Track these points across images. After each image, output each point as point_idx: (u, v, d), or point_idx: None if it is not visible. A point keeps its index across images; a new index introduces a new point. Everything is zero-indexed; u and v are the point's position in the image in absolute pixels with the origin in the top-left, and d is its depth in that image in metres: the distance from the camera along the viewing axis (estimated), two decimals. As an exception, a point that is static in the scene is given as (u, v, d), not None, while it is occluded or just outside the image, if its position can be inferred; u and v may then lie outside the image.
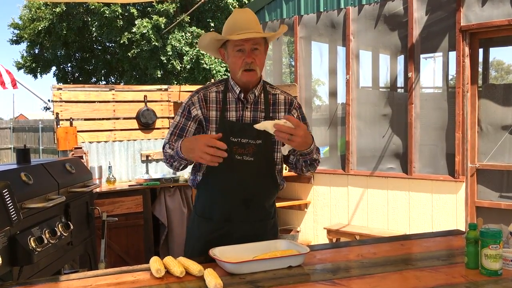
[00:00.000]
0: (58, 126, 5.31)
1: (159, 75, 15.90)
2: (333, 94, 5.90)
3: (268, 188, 2.31)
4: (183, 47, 15.67)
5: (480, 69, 5.01)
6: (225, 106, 2.25)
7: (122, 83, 17.89)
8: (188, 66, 15.82)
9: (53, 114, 5.52)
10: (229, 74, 2.37)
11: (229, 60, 2.24)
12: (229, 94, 2.27)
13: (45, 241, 2.58)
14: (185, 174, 5.93)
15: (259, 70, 2.22)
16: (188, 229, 2.43)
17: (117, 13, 15.47)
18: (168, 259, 1.90)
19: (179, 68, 15.92)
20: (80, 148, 5.22)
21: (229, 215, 2.26)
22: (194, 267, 1.85)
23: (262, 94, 2.30)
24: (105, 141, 5.66)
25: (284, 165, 2.42)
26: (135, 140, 5.86)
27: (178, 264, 1.86)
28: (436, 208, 4.91)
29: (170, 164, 2.25)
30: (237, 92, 2.25)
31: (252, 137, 2.22)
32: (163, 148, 2.29)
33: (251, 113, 2.26)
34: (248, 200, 2.25)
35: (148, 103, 5.89)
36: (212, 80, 10.14)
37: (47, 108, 20.65)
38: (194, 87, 6.51)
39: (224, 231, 2.26)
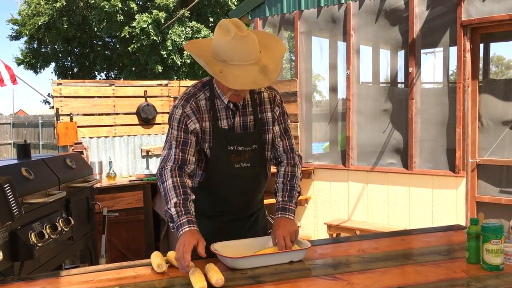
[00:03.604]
0: (58, 121, 5.30)
1: (159, 70, 15.88)
2: (333, 89, 5.90)
3: (261, 185, 2.33)
4: (183, 42, 15.64)
5: (480, 64, 5.00)
6: (216, 114, 2.15)
7: (122, 78, 17.87)
8: (188, 61, 15.80)
9: (53, 109, 5.51)
10: None
11: (216, 79, 2.05)
12: (217, 101, 2.16)
13: (46, 236, 2.59)
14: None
15: (247, 92, 2.14)
16: None
17: (117, 7, 15.42)
18: (173, 254, 1.90)
19: (179, 63, 15.90)
20: (80, 143, 5.22)
21: (227, 215, 2.28)
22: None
23: (249, 95, 2.22)
24: (105, 136, 5.66)
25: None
26: (135, 135, 5.85)
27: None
28: (437, 203, 4.91)
29: (164, 198, 2.05)
30: (226, 102, 2.15)
31: (247, 143, 2.19)
32: (164, 170, 2.07)
33: (240, 118, 2.19)
34: (247, 202, 2.29)
35: (148, 98, 5.88)
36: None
37: (46, 101, 20.64)
38: (195, 82, 6.47)
39: (223, 229, 2.25)
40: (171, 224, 2.00)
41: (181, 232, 1.90)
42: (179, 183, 2.01)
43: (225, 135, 2.15)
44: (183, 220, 1.92)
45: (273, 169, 2.34)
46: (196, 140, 2.13)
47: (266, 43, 2.08)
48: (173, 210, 1.95)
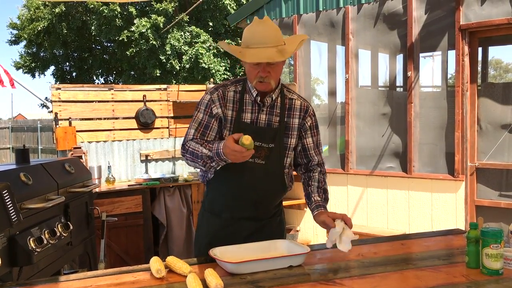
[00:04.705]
0: (57, 126, 5.30)
1: (158, 74, 15.88)
2: (332, 93, 5.90)
3: (276, 190, 2.35)
4: (182, 47, 15.65)
5: (479, 68, 5.01)
6: (242, 107, 2.25)
7: (121, 83, 17.87)
8: (187, 66, 15.81)
9: (51, 113, 5.50)
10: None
11: (245, 66, 2.25)
12: (246, 95, 2.27)
13: (45, 242, 2.58)
14: (185, 174, 5.92)
15: (274, 81, 2.21)
16: (197, 224, 2.48)
17: (116, 12, 15.45)
18: (173, 259, 1.90)
19: (178, 68, 15.91)
20: (79, 148, 5.21)
21: (237, 214, 2.30)
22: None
23: (279, 98, 2.30)
24: (104, 141, 5.65)
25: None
26: (134, 139, 5.85)
27: (185, 263, 1.87)
28: (436, 207, 4.91)
29: (195, 160, 2.20)
30: (254, 95, 2.25)
31: (265, 140, 2.24)
32: (185, 144, 2.25)
33: (266, 116, 2.27)
34: (257, 202, 2.30)
35: (147, 103, 5.88)
36: (211, 80, 10.12)
37: (43, 105, 20.64)
38: (193, 87, 6.49)
39: (232, 228, 2.31)
40: (213, 164, 2.13)
41: (221, 151, 2.04)
42: (200, 141, 2.21)
43: (245, 128, 2.22)
44: (215, 145, 2.08)
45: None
46: (219, 124, 2.25)
47: (292, 39, 2.25)
48: (205, 151, 2.12)
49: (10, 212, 2.29)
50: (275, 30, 2.16)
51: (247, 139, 1.99)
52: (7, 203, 2.28)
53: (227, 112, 2.25)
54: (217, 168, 2.21)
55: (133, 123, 5.85)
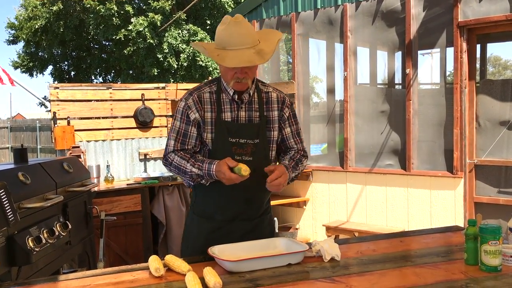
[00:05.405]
0: (56, 125, 5.29)
1: (155, 73, 15.86)
2: (331, 91, 5.90)
3: (266, 185, 2.31)
4: (180, 45, 15.63)
5: (477, 65, 5.01)
6: (220, 107, 2.25)
7: (119, 82, 17.85)
8: (185, 64, 15.80)
9: (49, 113, 5.49)
10: None
11: (220, 68, 2.24)
12: (222, 95, 2.26)
13: (44, 241, 2.58)
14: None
15: (251, 80, 2.22)
16: (186, 228, 2.43)
17: (113, 11, 15.42)
18: (171, 258, 1.90)
19: (175, 66, 15.89)
20: (78, 147, 5.20)
21: (230, 215, 2.29)
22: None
23: (256, 93, 2.31)
24: (103, 140, 5.64)
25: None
26: (133, 138, 5.84)
27: (184, 262, 1.87)
28: (435, 204, 4.91)
29: (181, 174, 2.24)
30: (231, 94, 2.25)
31: (249, 136, 2.24)
32: (168, 156, 2.26)
33: (246, 113, 2.27)
34: (249, 200, 2.29)
35: (145, 102, 5.87)
36: (209, 78, 10.09)
37: (42, 104, 20.61)
38: (191, 85, 6.47)
39: (225, 230, 2.28)
40: (203, 181, 2.21)
41: (213, 173, 2.13)
42: (183, 154, 2.23)
43: (227, 127, 2.23)
44: (206, 166, 2.14)
45: None
46: (197, 130, 2.25)
47: (266, 36, 2.25)
48: (194, 170, 2.17)
49: (7, 212, 2.28)
50: (251, 30, 2.18)
51: (245, 171, 2.04)
52: (4, 203, 2.28)
53: (205, 114, 2.24)
54: (207, 184, 2.24)
55: (132, 122, 5.84)
